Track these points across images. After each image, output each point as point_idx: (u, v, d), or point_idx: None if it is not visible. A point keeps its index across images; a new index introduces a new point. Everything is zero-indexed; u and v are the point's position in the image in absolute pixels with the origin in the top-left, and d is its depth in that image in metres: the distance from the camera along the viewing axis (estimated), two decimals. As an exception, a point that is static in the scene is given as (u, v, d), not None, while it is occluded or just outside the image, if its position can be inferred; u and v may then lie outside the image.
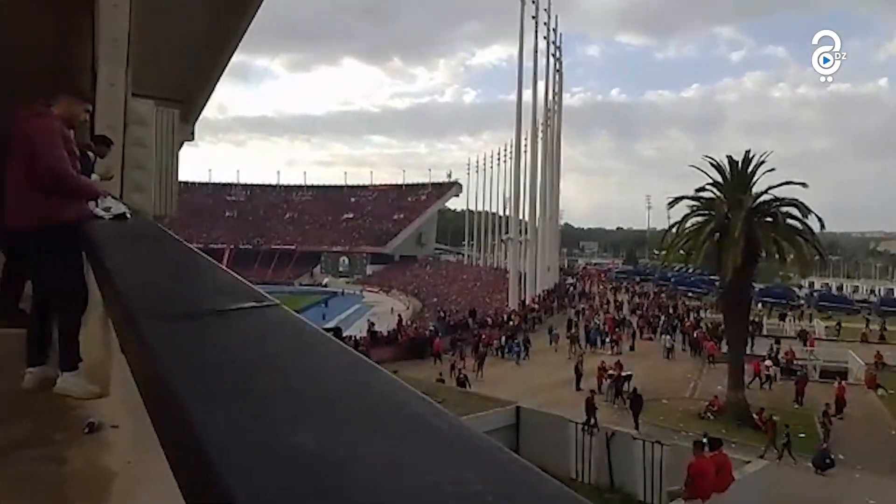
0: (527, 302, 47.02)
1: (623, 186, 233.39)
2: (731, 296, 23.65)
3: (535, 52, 54.13)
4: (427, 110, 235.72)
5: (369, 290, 71.64)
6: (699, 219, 24.30)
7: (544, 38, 55.42)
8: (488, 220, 76.79)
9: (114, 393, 2.83)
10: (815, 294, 55.87)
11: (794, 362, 28.03)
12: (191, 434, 0.74)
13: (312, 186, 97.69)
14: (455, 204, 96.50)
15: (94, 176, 4.85)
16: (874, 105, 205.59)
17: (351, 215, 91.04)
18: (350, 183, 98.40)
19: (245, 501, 0.56)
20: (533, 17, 53.34)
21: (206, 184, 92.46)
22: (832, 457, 16.80)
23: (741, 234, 21.31)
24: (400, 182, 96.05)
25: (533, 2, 53.03)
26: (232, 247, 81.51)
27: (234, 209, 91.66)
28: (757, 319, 35.11)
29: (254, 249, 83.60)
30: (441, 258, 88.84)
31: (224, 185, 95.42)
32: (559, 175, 61.64)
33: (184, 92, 10.89)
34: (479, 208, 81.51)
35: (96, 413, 2.87)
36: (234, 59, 10.88)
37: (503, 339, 34.17)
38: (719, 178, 24.18)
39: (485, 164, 79.48)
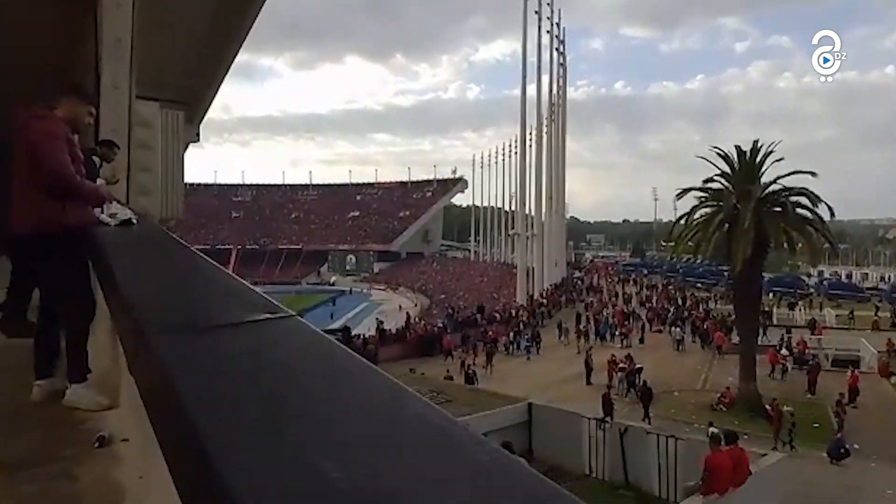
0: (535, 297, 46.92)
1: (628, 179, 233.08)
2: (742, 286, 23.49)
3: (539, 46, 53.96)
4: (431, 107, 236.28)
5: (377, 288, 71.67)
6: (708, 210, 24.11)
7: (547, 32, 55.23)
8: (494, 215, 76.66)
9: (123, 404, 2.76)
10: (824, 283, 55.54)
11: (807, 352, 27.80)
12: (205, 465, 0.67)
13: (318, 185, 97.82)
14: (461, 200, 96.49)
15: (99, 180, 4.79)
16: (881, 93, 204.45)
17: (357, 213, 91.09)
18: (355, 181, 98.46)
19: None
20: (536, 12, 53.12)
21: (212, 185, 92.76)
22: (847, 447, 16.64)
23: (751, 225, 21.15)
24: (405, 179, 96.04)
25: (536, -4, 52.80)
26: (239, 247, 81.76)
27: (240, 210, 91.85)
28: (767, 309, 34.86)
29: (261, 249, 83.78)
30: (448, 254, 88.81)
31: (230, 185, 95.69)
32: (564, 169, 61.45)
33: (188, 93, 10.83)
34: (485, 204, 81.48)
35: (106, 426, 2.80)
36: (238, 58, 10.84)
37: (511, 334, 34.12)
38: (727, 169, 23.98)
39: (490, 160, 79.39)
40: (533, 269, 51.66)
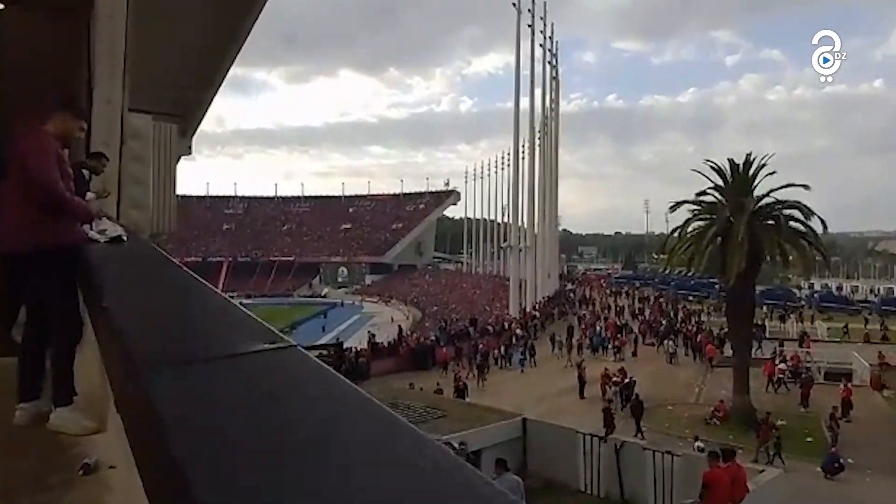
0: (527, 309, 46.85)
1: (621, 191, 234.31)
2: (735, 299, 23.52)
3: (532, 59, 54.38)
4: (424, 119, 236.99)
5: (368, 301, 71.40)
6: (701, 223, 24.18)
7: (540, 45, 55.70)
8: (487, 227, 76.74)
9: (111, 428, 2.65)
10: (815, 295, 55.76)
11: (801, 365, 27.83)
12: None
13: (310, 197, 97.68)
14: (453, 212, 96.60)
15: (89, 194, 4.69)
16: (871, 105, 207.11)
17: (349, 225, 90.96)
18: (348, 193, 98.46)
19: None
20: (529, 26, 53.54)
21: (204, 197, 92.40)
22: (841, 461, 16.59)
23: (745, 238, 21.21)
24: (398, 191, 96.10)
25: (529, 10, 53.25)
26: (230, 259, 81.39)
27: (231, 222, 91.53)
28: (760, 322, 34.93)
29: (252, 262, 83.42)
30: (440, 267, 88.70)
31: (222, 198, 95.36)
32: (557, 181, 61.69)
33: (181, 106, 10.76)
34: (478, 216, 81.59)
35: (93, 451, 2.69)
36: (231, 72, 10.80)
37: (502, 348, 33.96)
38: (720, 182, 24.10)
39: (482, 172, 79.63)
40: (526, 281, 51.63)
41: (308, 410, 0.94)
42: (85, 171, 5.15)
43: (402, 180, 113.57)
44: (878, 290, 65.37)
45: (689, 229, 24.54)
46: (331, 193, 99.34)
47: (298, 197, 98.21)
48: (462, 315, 50.54)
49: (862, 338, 36.24)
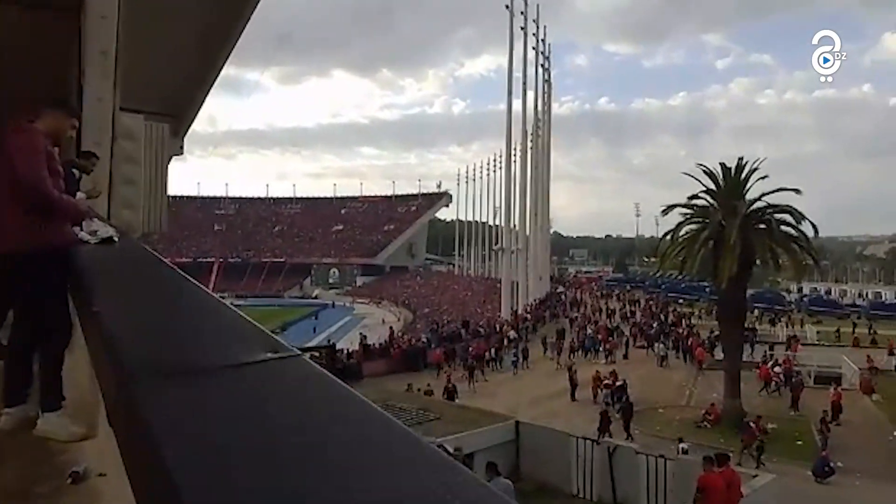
0: (519, 311, 46.86)
1: (612, 194, 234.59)
2: (727, 303, 23.59)
3: (525, 62, 54.46)
4: (417, 121, 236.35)
5: (360, 302, 71.25)
6: (693, 226, 24.24)
7: (533, 48, 55.83)
8: (478, 229, 76.80)
9: (101, 434, 2.56)
10: (805, 299, 56.19)
11: (792, 368, 27.96)
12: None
13: (302, 198, 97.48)
14: (445, 214, 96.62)
15: (79, 194, 4.60)
16: (860, 110, 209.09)
17: (341, 227, 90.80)
18: (340, 195, 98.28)
19: None
20: (522, 28, 53.69)
21: (195, 197, 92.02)
22: (831, 464, 16.65)
23: (737, 242, 21.25)
24: (390, 193, 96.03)
25: (522, 13, 53.33)
26: (221, 260, 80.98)
27: (223, 222, 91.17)
28: (750, 326, 35.09)
29: (243, 262, 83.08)
30: (432, 268, 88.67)
31: (213, 198, 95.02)
32: (549, 183, 61.83)
33: (173, 106, 10.64)
34: (470, 218, 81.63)
35: (82, 458, 2.60)
36: (224, 72, 10.68)
37: (493, 350, 33.87)
38: (712, 186, 24.17)
39: (475, 174, 79.68)
40: (517, 283, 51.65)
41: (320, 433, 0.87)
42: (75, 171, 5.06)
43: (394, 182, 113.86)
44: (867, 294, 65.97)
45: (682, 233, 24.62)
46: (322, 194, 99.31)
47: (290, 198, 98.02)
48: (454, 317, 50.50)
49: (851, 342, 36.52)
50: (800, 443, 19.57)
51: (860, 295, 65.57)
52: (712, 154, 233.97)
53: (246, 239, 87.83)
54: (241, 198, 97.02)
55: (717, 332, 29.49)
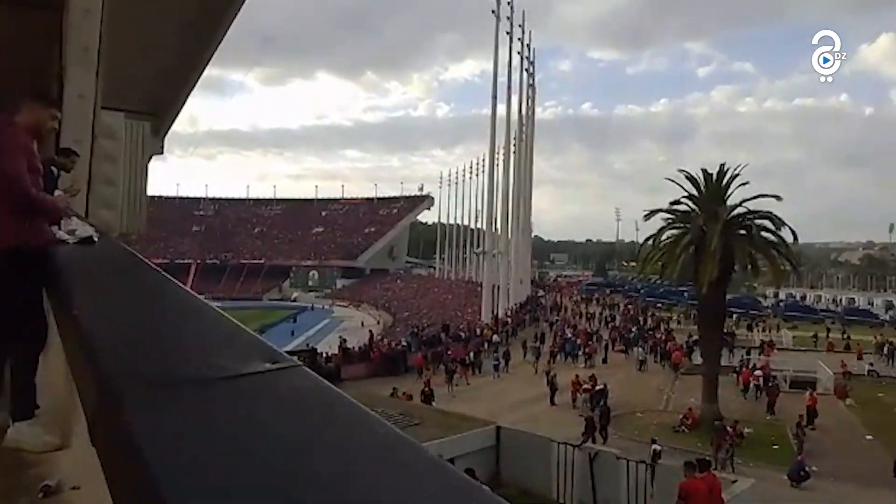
0: (500, 315, 46.90)
1: (593, 199, 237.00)
2: (706, 308, 23.81)
3: (509, 66, 54.56)
4: (400, 124, 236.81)
5: (339, 305, 70.74)
6: (675, 231, 24.45)
7: (518, 53, 55.98)
8: (460, 233, 76.77)
9: (75, 444, 2.44)
10: (781, 304, 57.04)
11: (769, 373, 28.31)
12: None
13: (282, 200, 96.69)
14: (427, 217, 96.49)
15: (57, 192, 4.46)
16: (837, 119, 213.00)
17: (321, 229, 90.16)
18: (321, 196, 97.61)
19: None
20: (507, 33, 53.82)
21: (174, 198, 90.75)
22: (807, 468, 16.83)
23: (717, 247, 21.45)
24: (372, 195, 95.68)
25: (507, 18, 53.52)
26: (199, 262, 79.94)
27: (201, 223, 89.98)
28: (729, 330, 35.50)
29: (221, 264, 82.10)
30: (413, 271, 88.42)
31: (192, 199, 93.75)
32: (531, 188, 62.05)
33: (155, 105, 10.47)
34: (451, 221, 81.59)
35: (55, 470, 2.49)
36: (208, 72, 10.57)
37: (472, 354, 33.78)
38: (694, 191, 24.40)
39: (457, 178, 79.69)
40: (498, 287, 51.71)
41: (326, 452, 0.80)
42: (54, 168, 4.93)
43: (376, 184, 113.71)
44: (841, 299, 67.18)
45: (663, 238, 24.81)
46: (304, 196, 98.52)
47: (270, 199, 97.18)
48: (434, 320, 50.36)
49: (826, 346, 37.13)
50: (776, 447, 19.77)
51: (834, 300, 66.76)
52: (693, 160, 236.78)
53: (225, 240, 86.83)
54: (220, 199, 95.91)
55: (695, 337, 29.77)
